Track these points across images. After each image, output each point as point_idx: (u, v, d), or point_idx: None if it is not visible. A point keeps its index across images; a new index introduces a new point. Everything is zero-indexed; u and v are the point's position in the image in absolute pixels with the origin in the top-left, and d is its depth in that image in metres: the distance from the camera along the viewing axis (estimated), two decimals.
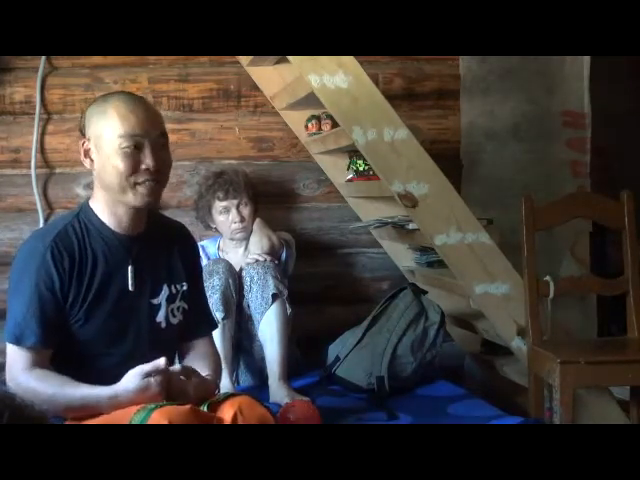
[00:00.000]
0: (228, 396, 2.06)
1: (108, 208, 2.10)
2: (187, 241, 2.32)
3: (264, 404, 2.06)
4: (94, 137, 2.07)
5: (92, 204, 2.13)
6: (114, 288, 2.09)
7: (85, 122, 2.11)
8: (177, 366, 2.06)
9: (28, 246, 2.10)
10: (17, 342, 2.02)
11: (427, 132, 3.64)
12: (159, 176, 2.06)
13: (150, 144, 2.03)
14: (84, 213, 2.13)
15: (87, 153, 2.09)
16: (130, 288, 2.10)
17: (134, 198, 2.05)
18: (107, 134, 2.04)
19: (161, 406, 1.90)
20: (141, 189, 2.04)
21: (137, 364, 2.01)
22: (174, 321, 2.18)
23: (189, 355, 2.27)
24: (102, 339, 2.08)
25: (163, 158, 2.07)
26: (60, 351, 2.07)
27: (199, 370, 2.15)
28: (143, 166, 2.03)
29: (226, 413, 1.97)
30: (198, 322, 2.28)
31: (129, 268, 2.10)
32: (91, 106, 2.13)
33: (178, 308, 2.19)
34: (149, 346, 2.12)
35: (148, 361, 2.01)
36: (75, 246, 2.06)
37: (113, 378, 2.00)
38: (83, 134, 2.11)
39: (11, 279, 2.11)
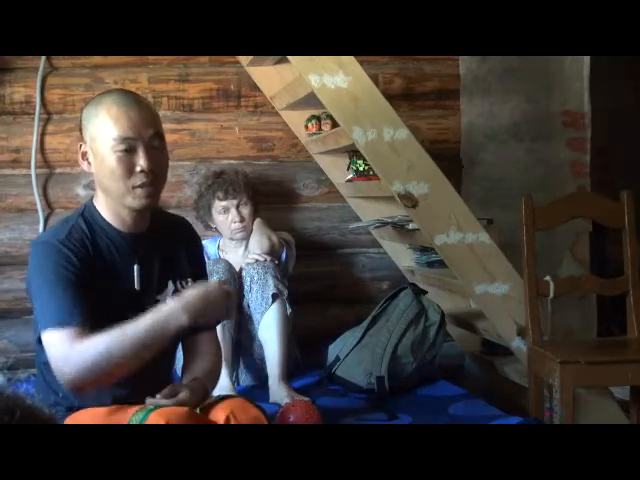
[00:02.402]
0: (221, 398, 2.05)
1: (110, 208, 2.10)
2: (191, 236, 2.32)
3: (257, 405, 2.05)
4: (89, 140, 2.06)
5: (96, 204, 2.13)
6: (120, 286, 2.08)
7: (81, 125, 2.10)
8: (165, 390, 2.01)
9: (41, 245, 2.06)
10: (61, 325, 1.95)
11: (427, 132, 3.65)
12: (155, 177, 2.04)
13: (144, 146, 2.02)
14: (88, 212, 2.12)
15: (84, 156, 2.09)
16: (136, 287, 2.10)
17: (132, 201, 2.05)
18: (101, 137, 2.03)
19: (160, 407, 1.90)
20: (138, 192, 2.03)
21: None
22: None
23: (190, 351, 2.26)
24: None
25: (158, 159, 2.05)
26: None
27: (193, 372, 2.16)
28: (138, 168, 2.01)
29: (219, 415, 1.97)
30: None
31: (135, 267, 2.10)
32: (86, 108, 2.11)
33: None
34: None
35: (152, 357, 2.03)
36: (85, 242, 2.06)
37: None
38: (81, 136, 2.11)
39: (31, 279, 2.06)
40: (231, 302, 2.10)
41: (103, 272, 2.06)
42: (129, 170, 2.01)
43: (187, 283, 2.20)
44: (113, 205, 2.09)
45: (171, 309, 1.97)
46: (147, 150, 2.02)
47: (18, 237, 3.55)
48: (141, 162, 2.01)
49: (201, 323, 2.02)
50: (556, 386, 2.64)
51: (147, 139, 2.03)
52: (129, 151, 2.01)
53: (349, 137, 2.93)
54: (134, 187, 2.03)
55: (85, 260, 2.03)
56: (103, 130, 2.02)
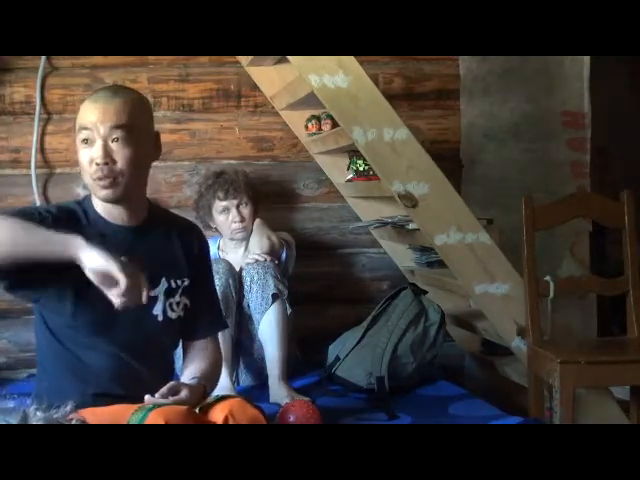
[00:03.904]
0: (219, 399, 2.05)
1: (98, 200, 2.14)
2: (195, 238, 2.32)
3: (256, 405, 2.05)
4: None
5: (92, 196, 2.16)
6: None
7: None
8: (163, 388, 2.01)
9: None
10: None
11: (427, 132, 3.65)
12: (110, 171, 2.05)
13: (100, 137, 2.04)
14: (85, 203, 2.17)
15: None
16: None
17: (96, 192, 2.09)
18: (75, 128, 2.09)
19: (159, 406, 1.90)
20: (97, 183, 2.07)
21: (132, 351, 2.08)
22: (173, 315, 2.18)
23: (189, 354, 2.27)
24: (94, 325, 2.08)
25: (114, 152, 2.05)
26: (58, 338, 2.10)
27: (192, 372, 2.18)
28: (94, 160, 2.05)
29: (217, 416, 1.96)
30: (200, 321, 2.27)
31: (122, 258, 2.10)
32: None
33: (178, 303, 2.19)
34: (144, 337, 2.13)
35: (143, 349, 2.09)
36: (72, 220, 2.10)
37: (109, 362, 2.07)
38: None
39: None
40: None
41: None
42: (89, 162, 2.06)
43: (183, 282, 2.20)
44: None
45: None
46: (104, 142, 2.04)
47: None
48: (93, 154, 2.05)
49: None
50: (556, 386, 2.64)
51: (105, 131, 2.04)
52: (88, 143, 2.05)
53: (349, 137, 2.93)
54: (93, 179, 2.07)
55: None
56: (77, 122, 2.09)
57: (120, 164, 2.06)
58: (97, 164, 2.04)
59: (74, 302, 2.07)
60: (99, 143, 2.04)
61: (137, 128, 2.08)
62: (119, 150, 2.06)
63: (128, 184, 2.08)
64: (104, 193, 2.07)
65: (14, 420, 1.49)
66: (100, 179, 2.05)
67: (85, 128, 2.05)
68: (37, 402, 1.70)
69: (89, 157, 2.05)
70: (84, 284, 2.04)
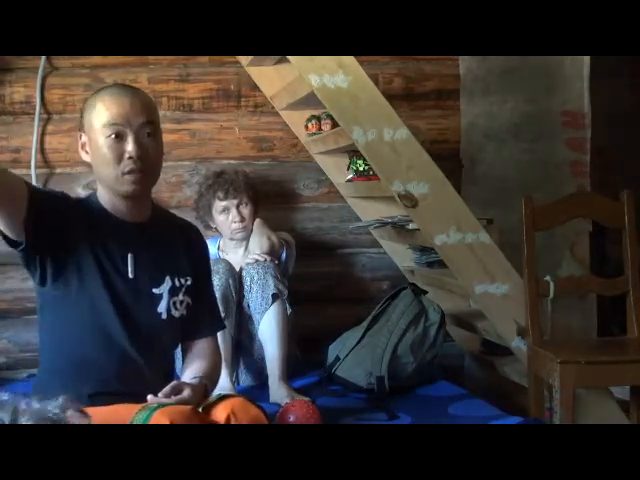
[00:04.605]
0: (221, 398, 2.05)
1: (107, 197, 2.14)
2: (195, 239, 2.34)
3: (258, 404, 2.06)
4: (87, 129, 2.12)
5: (97, 194, 2.18)
6: (110, 271, 2.10)
7: (82, 117, 2.16)
8: (166, 387, 2.02)
9: None
10: None
11: (427, 132, 3.65)
12: (144, 165, 2.08)
13: (133, 132, 2.07)
14: (88, 200, 2.19)
15: (84, 146, 2.14)
16: (130, 275, 2.12)
17: (122, 187, 2.09)
18: (95, 125, 2.09)
19: (163, 406, 1.90)
20: (127, 178, 2.08)
21: (136, 349, 2.09)
22: (176, 314, 2.18)
23: (189, 354, 2.27)
24: (98, 323, 2.08)
25: (147, 146, 2.09)
26: (61, 335, 2.11)
27: (194, 371, 2.18)
28: (126, 155, 2.06)
29: (219, 415, 1.97)
30: (201, 321, 2.28)
31: (129, 255, 2.12)
32: (86, 101, 2.18)
33: (181, 302, 2.20)
34: (148, 335, 2.13)
35: (147, 347, 2.10)
36: (72, 214, 2.10)
37: (112, 360, 2.08)
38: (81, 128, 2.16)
39: None
40: None
41: (88, 252, 2.08)
42: (118, 156, 2.07)
43: (186, 281, 2.21)
44: (109, 193, 2.13)
45: None
46: (136, 137, 2.07)
47: None
48: (129, 148, 2.06)
49: None
50: (556, 386, 2.64)
51: (137, 126, 2.07)
52: (118, 138, 2.07)
53: (349, 137, 2.93)
54: (123, 173, 2.07)
55: (59, 214, 2.06)
56: (97, 118, 2.09)
57: (152, 158, 2.10)
58: (130, 157, 2.06)
59: (80, 302, 2.08)
60: (133, 137, 2.06)
61: (158, 124, 2.15)
62: (150, 144, 2.10)
63: (151, 179, 2.14)
64: (132, 187, 2.09)
65: (6, 413, 1.48)
66: (132, 172, 2.07)
67: (115, 124, 2.06)
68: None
69: (119, 151, 2.06)
70: (90, 281, 2.06)
